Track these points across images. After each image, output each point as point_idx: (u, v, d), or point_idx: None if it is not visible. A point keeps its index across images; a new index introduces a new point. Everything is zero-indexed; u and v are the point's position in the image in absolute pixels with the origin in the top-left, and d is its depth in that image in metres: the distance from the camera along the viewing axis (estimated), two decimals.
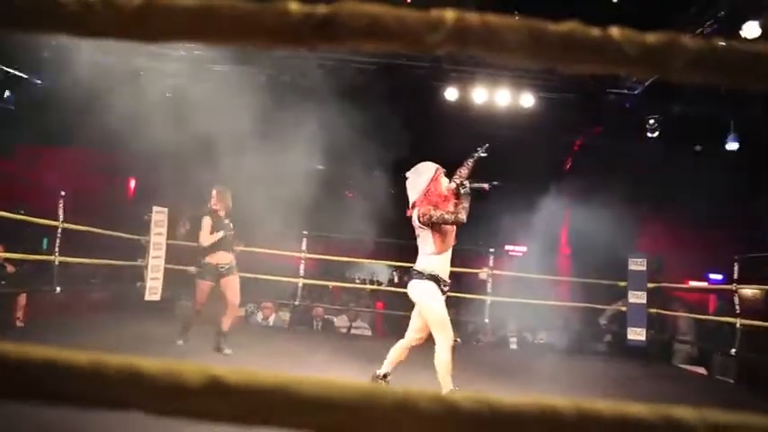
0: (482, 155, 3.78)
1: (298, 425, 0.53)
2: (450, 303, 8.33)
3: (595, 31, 0.58)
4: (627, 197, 9.17)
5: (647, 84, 8.04)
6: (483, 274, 7.76)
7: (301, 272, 7.88)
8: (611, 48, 0.58)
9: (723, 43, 0.58)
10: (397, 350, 3.74)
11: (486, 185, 3.69)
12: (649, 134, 8.82)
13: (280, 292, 8.39)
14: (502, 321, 8.23)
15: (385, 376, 3.72)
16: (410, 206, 3.60)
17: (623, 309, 7.59)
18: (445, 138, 7.77)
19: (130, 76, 8.06)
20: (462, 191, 3.59)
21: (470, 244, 8.99)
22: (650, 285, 7.42)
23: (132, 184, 11.47)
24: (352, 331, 8.26)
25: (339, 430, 0.52)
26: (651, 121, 8.81)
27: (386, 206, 7.50)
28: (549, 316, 9.09)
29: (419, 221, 3.50)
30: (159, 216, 7.35)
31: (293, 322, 8.19)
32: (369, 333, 8.18)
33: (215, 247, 5.12)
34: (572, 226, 10.76)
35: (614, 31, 0.58)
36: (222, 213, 5.26)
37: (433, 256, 3.51)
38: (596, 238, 8.58)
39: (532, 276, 8.33)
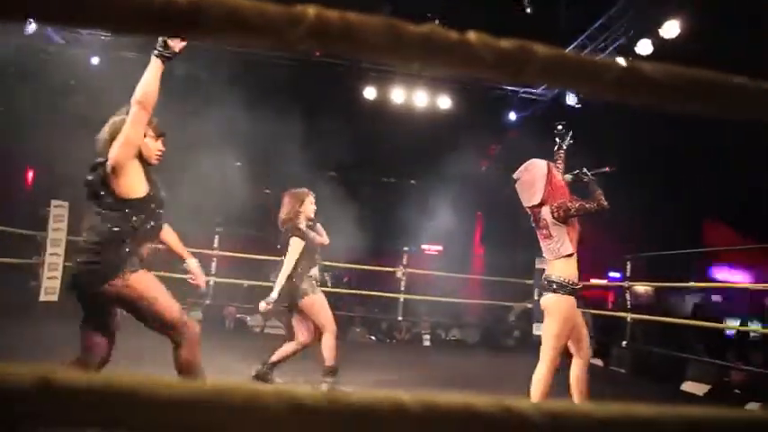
0: (569, 141, 3.52)
1: (137, 426, 0.50)
2: (364, 302, 8.39)
3: (453, 35, 0.60)
4: None
5: (555, 91, 8.46)
6: (398, 272, 7.86)
7: (213, 269, 7.65)
8: (467, 51, 0.60)
9: (571, 53, 0.61)
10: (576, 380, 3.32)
11: (607, 168, 3.40)
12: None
13: (190, 291, 8.10)
14: (415, 319, 8.38)
15: None
16: (533, 206, 3.22)
17: (530, 306, 7.94)
18: (364, 135, 7.84)
19: (33, 61, 7.51)
20: (586, 179, 3.30)
21: (386, 242, 9.10)
22: None
23: (30, 175, 10.69)
24: (267, 330, 8.12)
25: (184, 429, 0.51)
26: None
27: None
28: (462, 313, 9.36)
29: (553, 217, 3.14)
30: (59, 210, 6.90)
31: (204, 322, 7.93)
32: (283, 332, 8.07)
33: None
34: (486, 226, 11.12)
35: (471, 36, 0.60)
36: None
37: (570, 260, 3.16)
38: (507, 239, 8.93)
39: (446, 275, 8.53)
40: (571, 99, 7.91)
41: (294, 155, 7.80)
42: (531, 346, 7.78)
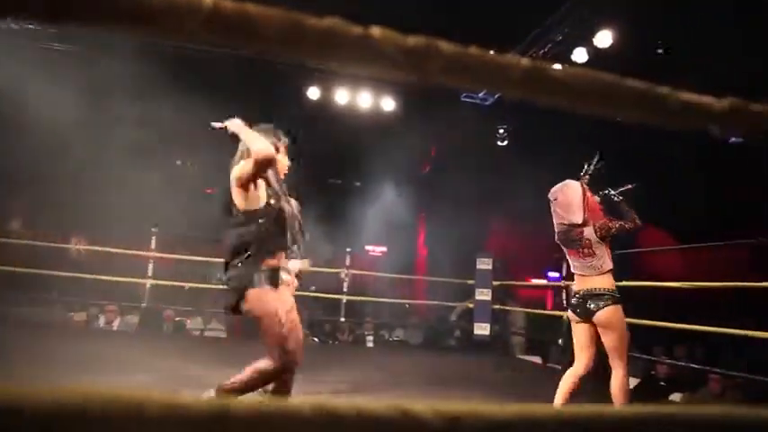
0: (599, 164, 3.62)
1: None
2: (307, 304, 8.31)
3: (356, 29, 0.58)
4: (479, 201, 9.78)
5: (496, 96, 8.65)
6: (341, 273, 7.83)
7: (149, 272, 7.40)
8: (370, 47, 0.58)
9: (476, 50, 0.61)
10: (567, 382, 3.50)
11: (630, 186, 3.56)
12: (499, 143, 9.48)
13: (126, 295, 7.81)
14: (359, 320, 8.37)
15: None
16: (574, 225, 3.37)
17: (471, 306, 8.07)
18: (307, 136, 7.75)
19: None
20: (616, 199, 3.49)
21: (330, 243, 9.05)
22: (495, 283, 7.98)
23: None
24: (207, 333, 7.92)
25: None
26: (501, 131, 9.49)
27: None
28: (406, 314, 9.42)
29: (596, 236, 3.32)
30: None
31: (141, 326, 7.66)
32: (224, 335, 7.90)
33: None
34: (429, 227, 11.24)
35: (375, 31, 0.59)
36: None
37: (611, 274, 3.35)
38: (450, 239, 9.05)
39: (390, 275, 8.56)
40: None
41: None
42: (472, 345, 7.93)
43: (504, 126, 9.41)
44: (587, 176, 3.57)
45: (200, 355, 5.57)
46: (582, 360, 3.43)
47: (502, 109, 8.95)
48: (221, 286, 2.80)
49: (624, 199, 3.48)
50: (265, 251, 2.55)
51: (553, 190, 3.50)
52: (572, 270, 3.49)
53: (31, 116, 6.67)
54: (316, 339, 8.05)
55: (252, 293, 2.50)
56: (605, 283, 3.32)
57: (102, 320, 7.50)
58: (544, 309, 9.45)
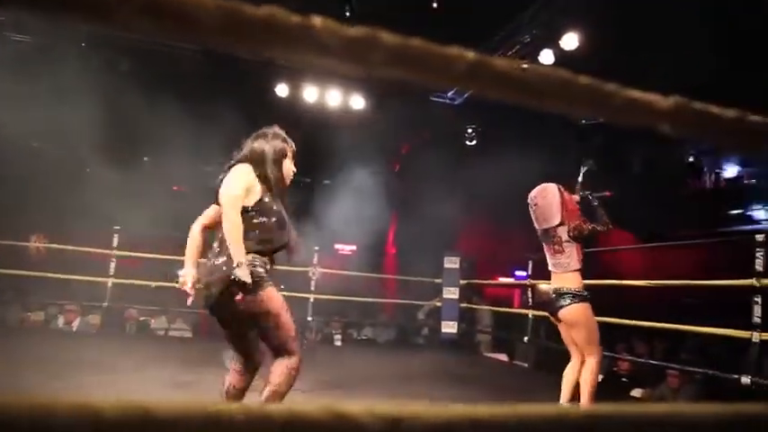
0: (592, 168, 3.81)
1: None
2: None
3: (296, 18, 0.56)
4: (448, 200, 9.83)
5: (465, 95, 8.69)
6: (310, 271, 7.77)
7: (111, 270, 7.22)
8: (309, 36, 0.56)
9: (419, 42, 0.59)
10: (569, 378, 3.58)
11: (606, 193, 3.71)
12: (468, 142, 9.54)
13: (86, 294, 7.61)
14: (327, 319, 8.32)
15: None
16: (552, 225, 3.51)
17: (439, 304, 8.10)
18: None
19: None
20: (594, 203, 3.63)
21: (299, 241, 8.97)
22: (462, 282, 8.03)
23: None
24: (171, 333, 7.78)
25: None
26: (469, 131, 9.54)
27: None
28: (373, 312, 9.40)
29: (568, 235, 3.47)
30: None
31: (102, 326, 7.47)
32: (189, 335, 7.77)
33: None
34: (399, 226, 11.25)
35: (316, 20, 0.57)
36: None
37: (579, 273, 3.48)
38: (420, 238, 9.07)
39: (358, 274, 8.53)
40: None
41: (203, 152, 7.51)
42: (440, 343, 7.97)
43: (473, 126, 9.47)
44: (579, 183, 3.75)
45: (165, 355, 5.47)
46: (576, 354, 3.58)
47: (471, 108, 9.00)
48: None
49: (599, 204, 3.65)
50: (261, 246, 2.52)
51: (532, 194, 3.63)
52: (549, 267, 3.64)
53: None
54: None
55: (259, 290, 2.43)
56: (571, 281, 3.47)
57: (61, 320, 7.29)
58: (511, 307, 9.55)
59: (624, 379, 5.78)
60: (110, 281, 7.25)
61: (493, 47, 7.18)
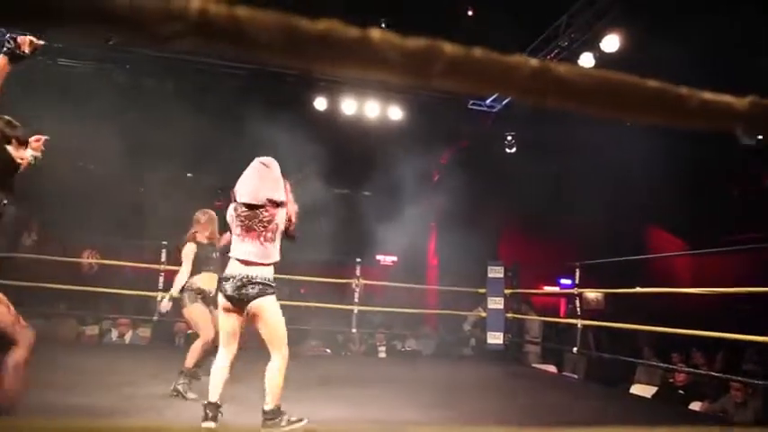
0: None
1: None
2: (318, 314, 8.25)
3: (354, 32, 0.55)
4: (489, 209, 9.72)
5: (504, 102, 8.59)
6: (353, 283, 7.78)
7: (160, 285, 7.40)
8: (369, 50, 0.55)
9: (480, 51, 0.57)
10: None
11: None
12: (507, 150, 9.42)
13: (139, 308, 7.83)
14: (371, 330, 8.31)
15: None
16: (271, 201, 3.10)
17: (483, 314, 7.98)
18: (316, 147, 7.75)
19: None
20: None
21: (340, 254, 9.02)
22: (507, 291, 7.89)
23: None
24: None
25: None
26: (509, 138, 9.42)
27: None
28: (417, 324, 9.34)
29: (283, 225, 3.12)
30: None
31: (153, 339, 7.67)
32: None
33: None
34: (439, 236, 11.17)
35: (375, 33, 0.56)
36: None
37: (273, 267, 3.14)
38: (461, 248, 8.98)
39: (401, 285, 8.50)
40: None
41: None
42: (487, 354, 7.83)
43: (513, 133, 9.35)
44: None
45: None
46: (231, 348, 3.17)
47: (510, 115, 8.89)
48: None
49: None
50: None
51: (264, 158, 3.25)
52: (233, 254, 3.14)
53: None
54: (328, 350, 8.00)
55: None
56: (269, 272, 3.11)
57: (114, 334, 7.50)
58: (556, 317, 9.34)
59: (681, 391, 5.55)
60: (159, 295, 7.42)
61: (529, 52, 7.10)
